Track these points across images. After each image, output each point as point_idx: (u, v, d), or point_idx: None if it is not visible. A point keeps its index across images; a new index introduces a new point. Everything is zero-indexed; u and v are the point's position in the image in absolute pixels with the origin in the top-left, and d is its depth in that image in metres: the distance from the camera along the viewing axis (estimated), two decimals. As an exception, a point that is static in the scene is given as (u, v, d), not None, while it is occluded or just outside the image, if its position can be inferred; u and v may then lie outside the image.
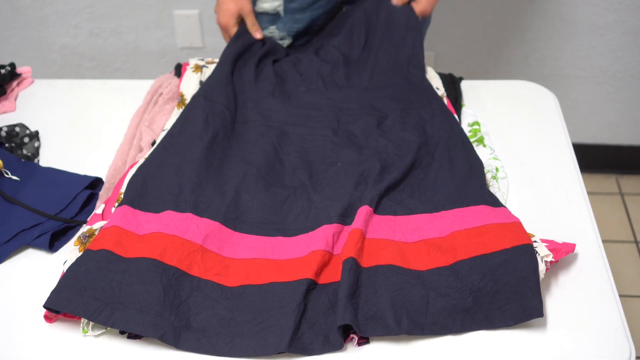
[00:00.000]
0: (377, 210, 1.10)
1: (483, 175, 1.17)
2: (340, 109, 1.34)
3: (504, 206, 1.09)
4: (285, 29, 1.56)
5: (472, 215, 1.06)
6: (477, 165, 1.18)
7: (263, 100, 1.36)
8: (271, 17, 1.56)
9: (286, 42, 1.58)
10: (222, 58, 1.41)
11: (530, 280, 0.95)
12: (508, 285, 0.95)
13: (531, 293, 0.94)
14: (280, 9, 1.54)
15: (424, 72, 1.42)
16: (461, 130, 1.26)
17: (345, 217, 1.08)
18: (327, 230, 1.05)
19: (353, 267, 0.98)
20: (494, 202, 1.10)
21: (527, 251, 0.97)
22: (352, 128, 1.30)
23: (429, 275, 0.99)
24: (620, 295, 1.00)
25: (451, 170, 1.18)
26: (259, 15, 1.59)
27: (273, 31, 1.57)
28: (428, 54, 2.12)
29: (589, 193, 1.18)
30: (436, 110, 1.30)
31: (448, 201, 1.11)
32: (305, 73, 1.42)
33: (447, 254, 1.01)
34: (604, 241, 1.09)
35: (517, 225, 1.03)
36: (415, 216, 1.09)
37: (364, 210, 1.07)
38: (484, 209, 1.07)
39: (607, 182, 2.40)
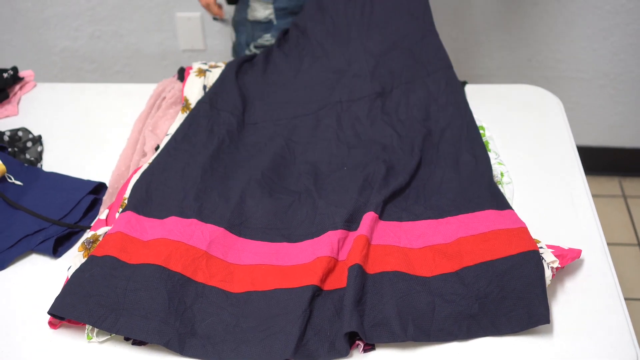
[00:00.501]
0: (382, 216, 1.09)
1: (489, 168, 1.16)
2: (344, 85, 1.33)
3: (510, 208, 1.08)
4: None
5: (478, 221, 1.06)
6: (482, 158, 1.17)
7: (270, 95, 1.34)
8: (264, 26, 1.56)
9: None
10: (227, 65, 1.40)
11: (536, 286, 0.94)
12: (514, 292, 0.95)
13: (537, 299, 0.93)
14: (272, 17, 1.54)
15: (428, 15, 1.38)
16: (467, 107, 1.24)
17: (351, 223, 1.08)
18: (332, 237, 1.05)
19: (359, 273, 0.97)
20: (499, 204, 1.09)
21: (533, 257, 0.97)
22: (356, 109, 1.28)
23: (434, 282, 0.98)
24: (624, 299, 1.00)
25: (456, 169, 1.17)
26: (253, 25, 1.59)
27: (268, 39, 1.57)
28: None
29: (592, 196, 1.18)
30: (441, 83, 1.28)
31: (453, 206, 1.10)
32: (306, 47, 1.41)
33: (452, 260, 1.01)
34: (607, 244, 1.09)
35: (523, 230, 1.02)
36: (421, 222, 1.08)
37: (369, 217, 1.07)
38: (489, 214, 1.07)
39: (610, 184, 2.40)
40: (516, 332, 0.93)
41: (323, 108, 1.32)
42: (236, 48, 1.70)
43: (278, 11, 1.55)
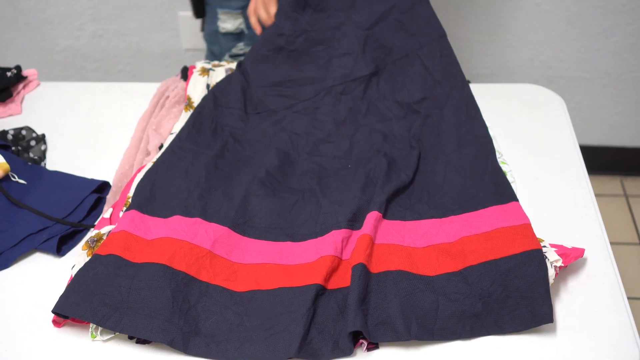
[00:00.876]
0: (386, 215, 1.09)
1: (492, 151, 1.16)
2: (336, 65, 1.32)
3: (514, 199, 1.08)
4: (254, 40, 1.55)
5: (482, 220, 1.06)
6: (483, 139, 1.17)
7: (265, 74, 1.34)
8: (236, 36, 1.56)
9: None
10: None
11: (540, 285, 0.94)
12: (518, 291, 0.95)
13: (541, 298, 0.93)
14: (243, 26, 1.54)
15: None
16: (464, 79, 1.22)
17: (354, 222, 1.08)
18: (336, 236, 1.05)
19: (362, 272, 0.97)
20: (503, 196, 1.09)
21: (536, 256, 0.97)
22: (352, 92, 1.27)
23: (438, 281, 0.98)
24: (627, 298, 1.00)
25: (459, 158, 1.17)
26: (223, 36, 1.58)
27: (242, 47, 1.57)
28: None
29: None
30: (436, 56, 1.26)
31: (457, 204, 1.10)
32: (284, 16, 1.38)
33: (456, 260, 1.01)
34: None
35: (526, 227, 1.02)
36: (424, 221, 1.08)
37: (373, 216, 1.07)
38: (493, 212, 1.07)
39: (612, 183, 2.40)
40: (520, 331, 0.94)
41: (319, 94, 1.31)
42: (209, 59, 1.70)
43: (248, 19, 1.55)
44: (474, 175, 1.15)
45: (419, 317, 0.94)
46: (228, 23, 1.54)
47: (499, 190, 1.10)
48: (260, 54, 1.37)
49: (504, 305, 0.95)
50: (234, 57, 1.60)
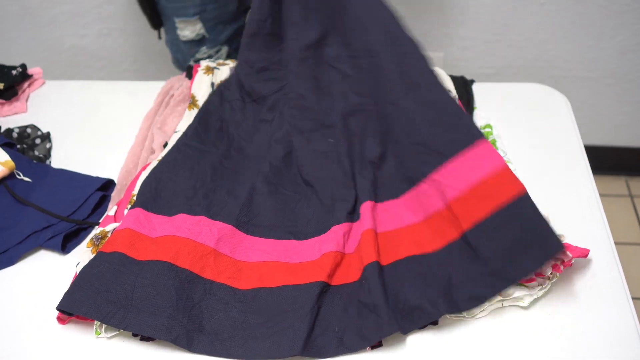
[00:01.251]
0: (378, 197, 1.10)
1: (440, 85, 1.13)
2: (290, 38, 1.30)
3: (481, 135, 1.06)
4: (217, 42, 1.56)
5: (460, 173, 1.05)
6: (428, 75, 1.14)
7: (257, 61, 1.34)
8: (196, 42, 1.56)
9: (223, 50, 1.58)
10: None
11: (538, 223, 0.95)
12: (520, 235, 0.95)
13: (545, 232, 0.94)
14: (203, 31, 1.54)
15: None
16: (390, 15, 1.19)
17: (352, 214, 1.09)
18: (337, 231, 1.05)
19: (377, 270, 0.98)
20: (470, 134, 1.07)
21: (525, 201, 0.97)
22: (311, 60, 1.27)
23: (444, 255, 0.99)
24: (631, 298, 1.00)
25: (409, 106, 1.15)
26: (184, 44, 1.58)
27: (205, 51, 1.57)
28: (436, 55, 2.12)
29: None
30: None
31: (430, 161, 1.08)
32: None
33: (453, 226, 1.01)
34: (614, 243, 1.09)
35: (504, 172, 1.01)
36: (414, 191, 1.09)
37: (367, 207, 1.07)
38: (466, 159, 1.05)
39: (617, 184, 2.39)
40: (539, 268, 0.95)
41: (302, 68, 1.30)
42: (175, 65, 1.70)
43: (207, 23, 1.53)
44: (432, 120, 1.12)
45: (439, 295, 0.94)
46: (187, 30, 1.54)
47: (463, 132, 1.08)
48: (244, 42, 1.36)
49: (514, 253, 0.95)
50: (198, 62, 1.60)
